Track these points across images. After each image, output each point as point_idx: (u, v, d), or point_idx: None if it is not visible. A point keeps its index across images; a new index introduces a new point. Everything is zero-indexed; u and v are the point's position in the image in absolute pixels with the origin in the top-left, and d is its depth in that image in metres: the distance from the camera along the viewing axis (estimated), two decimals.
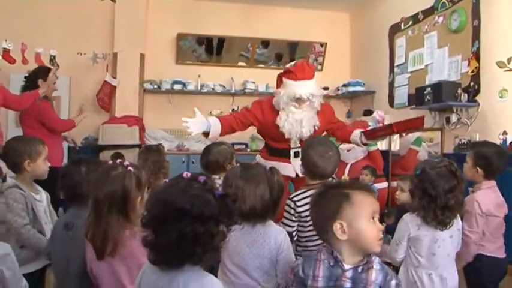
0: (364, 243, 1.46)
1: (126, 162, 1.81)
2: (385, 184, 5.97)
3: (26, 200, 2.38)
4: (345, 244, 1.47)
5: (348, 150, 6.08)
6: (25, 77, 4.44)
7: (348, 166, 6.02)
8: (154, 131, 6.53)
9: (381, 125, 3.34)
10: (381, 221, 4.86)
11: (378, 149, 6.00)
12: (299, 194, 2.31)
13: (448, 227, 2.15)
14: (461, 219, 2.41)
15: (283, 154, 3.54)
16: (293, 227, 2.27)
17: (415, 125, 3.45)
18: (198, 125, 3.34)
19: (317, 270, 1.50)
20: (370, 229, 1.46)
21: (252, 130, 6.80)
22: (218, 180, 2.81)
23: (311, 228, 2.22)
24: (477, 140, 4.41)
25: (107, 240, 1.66)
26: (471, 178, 2.63)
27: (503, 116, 4.20)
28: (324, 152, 2.36)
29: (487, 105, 4.35)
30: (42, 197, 2.54)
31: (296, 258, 2.27)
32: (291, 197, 2.33)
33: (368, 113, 6.59)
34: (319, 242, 2.23)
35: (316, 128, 3.51)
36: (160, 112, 6.62)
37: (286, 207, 2.30)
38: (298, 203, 2.27)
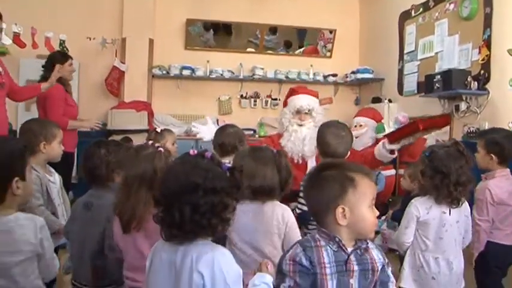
0: (363, 229, 1.45)
1: (157, 144, 1.92)
2: (392, 171, 5.98)
3: (41, 181, 2.43)
4: (343, 229, 1.44)
5: (356, 137, 6.09)
6: (42, 66, 4.48)
7: None
8: (162, 116, 6.55)
9: (402, 125, 3.28)
10: (386, 208, 4.90)
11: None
12: None
13: (460, 204, 2.19)
14: (470, 205, 2.44)
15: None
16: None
17: (440, 123, 3.41)
18: (208, 132, 3.47)
19: (321, 257, 1.42)
20: (370, 215, 1.46)
21: (260, 113, 6.95)
22: (228, 164, 2.86)
23: None
24: (486, 128, 4.41)
25: (134, 216, 1.76)
26: (485, 167, 2.63)
27: None
28: (337, 132, 2.55)
29: (497, 93, 4.33)
30: (56, 178, 2.59)
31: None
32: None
33: (377, 100, 6.59)
34: None
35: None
36: (169, 97, 6.63)
37: (302, 188, 2.35)
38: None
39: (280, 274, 1.44)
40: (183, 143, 6.23)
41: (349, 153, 3.04)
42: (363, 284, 1.44)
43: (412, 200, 2.25)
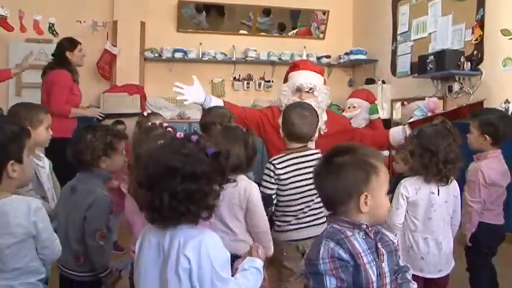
0: (380, 215, 1.43)
1: (165, 124, 2.01)
2: (385, 153, 5.99)
3: None
4: (363, 216, 1.39)
5: (350, 119, 6.09)
6: (52, 54, 4.47)
7: None
8: (155, 99, 6.51)
9: (430, 114, 3.10)
10: None
11: (379, 117, 6.01)
12: (279, 157, 2.41)
13: (449, 181, 2.20)
14: (461, 185, 2.45)
15: None
16: (272, 189, 2.38)
17: (462, 112, 3.17)
18: (193, 94, 3.17)
19: (355, 247, 1.36)
20: (387, 201, 1.44)
21: (253, 96, 6.92)
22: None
23: (290, 193, 2.39)
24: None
25: None
26: (478, 147, 2.60)
27: (506, 85, 4.18)
28: (301, 112, 2.45)
29: (490, 74, 4.33)
30: (45, 163, 2.56)
31: (274, 224, 2.42)
32: (271, 160, 2.43)
33: (370, 81, 6.57)
34: (298, 207, 2.40)
35: (322, 132, 3.14)
36: (161, 80, 6.56)
37: (266, 170, 2.40)
38: (278, 166, 2.37)
39: (315, 276, 1.34)
40: (175, 126, 6.21)
41: (316, 134, 2.97)
42: (390, 266, 1.43)
43: (402, 181, 2.25)
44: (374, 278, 1.36)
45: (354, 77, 7.21)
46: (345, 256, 1.33)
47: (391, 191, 2.42)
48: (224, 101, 3.33)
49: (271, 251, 2.19)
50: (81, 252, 2.04)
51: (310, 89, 3.16)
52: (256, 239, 2.12)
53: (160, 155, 1.30)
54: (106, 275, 2.05)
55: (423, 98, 5.49)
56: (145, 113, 3.48)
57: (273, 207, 2.42)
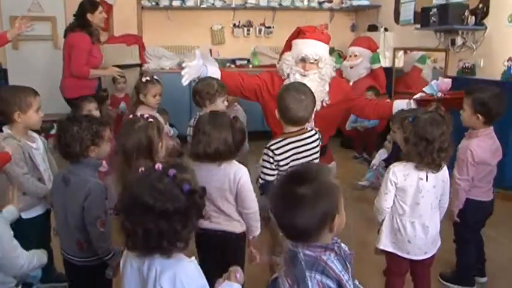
0: (341, 227, 1.39)
1: (146, 115, 2.07)
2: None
3: (23, 149, 2.42)
4: (331, 235, 1.36)
5: (351, 67, 6.02)
6: (74, 14, 4.48)
7: (351, 84, 5.98)
8: (154, 48, 6.40)
9: (440, 94, 3.01)
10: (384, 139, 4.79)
11: (381, 66, 5.93)
12: (276, 142, 2.37)
13: (440, 169, 2.22)
14: (452, 168, 2.48)
15: None
16: (273, 175, 2.37)
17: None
18: (192, 72, 3.07)
19: (335, 270, 1.33)
20: (343, 211, 1.40)
21: (254, 42, 6.81)
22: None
23: None
24: (481, 65, 4.34)
25: None
26: (471, 125, 2.60)
27: (511, 41, 4.08)
28: (297, 96, 2.36)
29: (495, 29, 4.20)
30: (39, 144, 2.58)
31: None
32: (268, 145, 2.39)
33: (373, 28, 6.41)
34: None
35: (325, 104, 3.12)
36: (160, 29, 6.46)
37: (265, 156, 2.38)
38: (277, 152, 2.35)
39: None
40: (175, 77, 6.13)
41: (313, 116, 2.90)
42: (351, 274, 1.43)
43: (391, 166, 2.27)
44: None
45: (357, 22, 7.03)
46: (334, 286, 1.31)
47: (391, 156, 2.41)
48: (221, 70, 3.26)
49: (258, 231, 2.27)
50: (83, 240, 2.12)
51: (315, 60, 3.07)
52: (245, 219, 2.22)
53: (136, 189, 1.30)
54: (110, 257, 2.13)
55: (426, 49, 5.41)
56: (143, 79, 3.46)
57: None
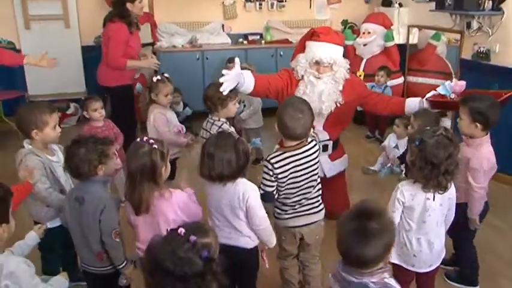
0: None
1: (151, 140, 2.14)
2: (400, 80, 5.94)
3: (44, 165, 2.53)
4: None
5: (364, 45, 5.95)
6: (112, 2, 4.53)
7: (364, 61, 5.95)
8: (166, 25, 6.37)
9: (453, 96, 3.02)
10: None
11: (395, 44, 5.86)
12: (276, 156, 2.45)
13: (447, 190, 2.27)
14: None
15: None
16: (272, 186, 2.45)
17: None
18: (231, 82, 2.94)
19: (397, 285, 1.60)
20: None
21: (266, 16, 6.73)
22: (217, 122, 3.08)
23: (288, 187, 2.48)
24: (496, 51, 4.27)
25: (142, 202, 2.11)
26: (470, 133, 2.66)
27: None
28: (294, 114, 2.40)
29: None
30: (59, 156, 2.66)
31: (276, 210, 2.58)
32: (268, 158, 2.47)
33: (387, 3, 6.28)
34: (296, 199, 2.53)
35: (338, 104, 3.20)
36: (171, 5, 6.37)
37: (265, 169, 2.46)
38: (276, 165, 2.42)
39: None
40: (188, 55, 6.20)
41: (333, 108, 3.16)
42: None
43: (399, 185, 2.33)
44: None
45: None
46: None
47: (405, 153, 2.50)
48: (253, 75, 3.15)
49: (273, 244, 2.39)
50: (102, 251, 2.28)
51: (329, 63, 3.11)
52: (257, 235, 2.33)
53: (159, 254, 1.40)
54: (123, 266, 2.31)
55: (440, 29, 5.31)
56: (154, 79, 3.51)
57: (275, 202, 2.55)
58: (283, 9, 6.74)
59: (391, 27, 5.87)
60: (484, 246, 3.14)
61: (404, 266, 2.40)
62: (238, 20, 6.69)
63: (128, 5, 4.32)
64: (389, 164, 3.91)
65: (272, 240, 2.37)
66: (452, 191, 2.34)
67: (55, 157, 2.65)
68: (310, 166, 2.50)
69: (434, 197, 2.26)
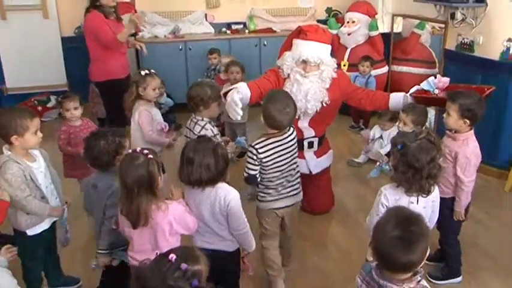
0: None
1: (145, 151, 2.12)
2: (384, 69, 5.93)
3: (24, 172, 2.46)
4: None
5: (349, 34, 5.91)
6: None
7: (348, 51, 5.92)
8: (148, 15, 6.26)
9: (437, 91, 3.03)
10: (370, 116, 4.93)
11: (379, 33, 5.82)
12: (260, 142, 2.64)
13: (430, 193, 2.27)
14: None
15: None
16: (256, 170, 2.66)
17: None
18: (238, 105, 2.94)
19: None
20: None
21: (250, 5, 6.64)
22: (201, 121, 3.02)
23: (271, 171, 2.68)
24: (480, 42, 4.26)
25: (140, 214, 2.08)
26: (457, 129, 2.71)
27: (511, 22, 4.00)
28: (282, 108, 2.57)
29: (496, 7, 4.07)
30: (40, 162, 2.60)
31: (259, 194, 2.75)
32: (253, 144, 2.64)
33: None
34: (279, 182, 2.71)
35: (324, 104, 3.22)
36: None
37: (249, 154, 2.64)
38: (260, 150, 2.62)
39: None
40: (171, 46, 6.10)
41: (318, 108, 3.24)
42: None
43: (382, 188, 2.32)
44: None
45: None
46: None
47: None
48: (249, 87, 3.13)
49: (253, 248, 2.43)
50: (104, 227, 2.47)
51: (316, 63, 3.12)
52: (237, 239, 2.35)
53: (149, 281, 1.38)
54: (103, 252, 2.45)
55: (424, 19, 5.29)
56: (142, 72, 3.43)
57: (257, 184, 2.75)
58: None
59: (375, 16, 5.83)
60: (467, 240, 3.19)
61: None
62: (221, 8, 6.60)
63: None
64: (378, 163, 3.89)
65: (252, 245, 2.41)
66: (435, 193, 2.34)
67: (36, 163, 2.57)
68: (292, 151, 2.72)
69: (418, 200, 2.26)
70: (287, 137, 2.69)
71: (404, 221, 1.61)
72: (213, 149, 2.18)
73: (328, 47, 3.22)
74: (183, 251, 1.49)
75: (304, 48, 3.13)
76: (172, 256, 1.41)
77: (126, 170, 2.07)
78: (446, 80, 3.03)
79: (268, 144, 2.63)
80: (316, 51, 3.12)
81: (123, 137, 2.52)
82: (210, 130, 2.98)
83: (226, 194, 2.22)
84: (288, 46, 3.31)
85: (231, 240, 2.35)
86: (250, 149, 2.63)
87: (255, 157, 2.61)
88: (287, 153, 2.69)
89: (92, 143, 2.43)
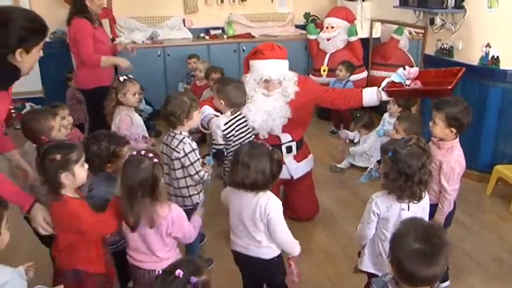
0: None
1: (150, 154, 2.12)
2: (363, 74, 5.97)
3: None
4: None
5: (328, 40, 5.93)
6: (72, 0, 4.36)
7: (328, 56, 5.94)
8: (125, 20, 6.17)
9: (408, 82, 3.04)
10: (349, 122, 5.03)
11: (358, 39, 5.86)
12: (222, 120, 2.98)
13: (421, 199, 2.26)
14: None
15: None
16: (221, 145, 2.99)
17: (443, 92, 2.94)
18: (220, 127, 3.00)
19: None
20: None
21: (228, 10, 6.61)
22: (179, 135, 2.80)
23: (234, 144, 3.00)
24: (459, 48, 4.31)
25: (140, 217, 2.09)
26: (443, 137, 2.69)
27: (490, 27, 4.05)
28: (238, 88, 3.02)
29: (474, 13, 4.12)
30: None
31: (226, 169, 3.02)
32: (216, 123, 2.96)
33: None
34: None
35: (289, 117, 3.24)
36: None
37: (212, 132, 2.96)
38: (223, 127, 2.94)
39: None
40: (149, 52, 6.01)
41: (286, 121, 3.30)
42: None
43: (373, 196, 2.31)
44: None
45: None
46: None
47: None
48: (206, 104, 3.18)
49: (297, 253, 2.41)
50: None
51: (279, 80, 3.15)
52: (279, 246, 2.35)
53: None
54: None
55: (404, 24, 5.35)
56: (121, 78, 3.34)
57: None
58: (245, 3, 6.64)
59: (354, 21, 5.87)
60: (452, 244, 3.18)
61: (380, 274, 2.38)
62: (199, 14, 6.56)
63: (87, 1, 4.19)
64: (368, 169, 3.91)
65: (295, 249, 2.39)
66: (426, 200, 2.34)
67: None
68: (247, 125, 3.11)
69: (409, 207, 2.25)
70: (240, 114, 3.08)
71: (424, 233, 1.57)
72: (268, 153, 2.22)
73: (286, 62, 3.25)
74: (187, 264, 1.49)
75: (264, 68, 3.15)
76: (180, 272, 1.40)
77: (131, 173, 2.08)
78: (415, 70, 3.06)
79: (228, 121, 2.98)
80: (277, 68, 3.15)
81: (121, 146, 2.49)
82: (189, 144, 2.76)
83: (268, 202, 2.23)
84: (246, 69, 3.31)
85: (268, 247, 2.33)
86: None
87: (219, 132, 2.92)
88: (245, 126, 3.09)
89: (87, 145, 2.42)
